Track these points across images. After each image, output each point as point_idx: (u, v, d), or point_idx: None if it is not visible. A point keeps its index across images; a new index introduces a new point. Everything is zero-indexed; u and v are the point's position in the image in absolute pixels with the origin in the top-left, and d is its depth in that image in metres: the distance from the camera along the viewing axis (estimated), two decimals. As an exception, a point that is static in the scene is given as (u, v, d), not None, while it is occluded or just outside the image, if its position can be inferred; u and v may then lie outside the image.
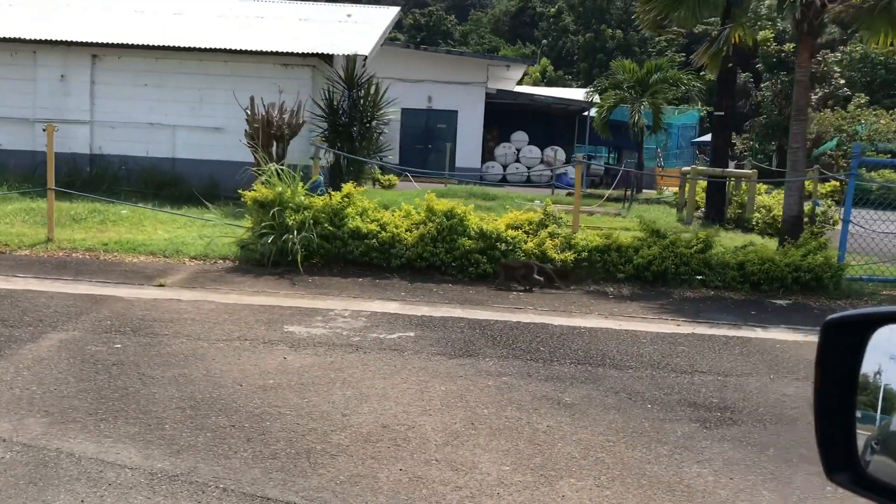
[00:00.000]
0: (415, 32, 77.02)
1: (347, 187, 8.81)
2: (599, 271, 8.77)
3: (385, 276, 8.40)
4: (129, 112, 14.02)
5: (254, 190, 8.54)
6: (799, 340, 6.68)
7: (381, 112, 13.59)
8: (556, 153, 29.59)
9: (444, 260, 8.52)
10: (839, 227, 12.73)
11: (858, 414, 1.27)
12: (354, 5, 17.42)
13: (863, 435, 1.26)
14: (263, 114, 11.89)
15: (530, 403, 4.59)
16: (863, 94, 39.39)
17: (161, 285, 7.33)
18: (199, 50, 13.61)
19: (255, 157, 10.46)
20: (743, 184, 15.85)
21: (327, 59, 14.08)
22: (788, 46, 42.67)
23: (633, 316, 7.29)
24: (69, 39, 13.67)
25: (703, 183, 15.98)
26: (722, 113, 15.17)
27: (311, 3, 17.52)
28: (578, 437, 4.10)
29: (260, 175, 8.73)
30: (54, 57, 13.89)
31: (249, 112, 11.89)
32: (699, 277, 8.69)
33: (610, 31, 60.35)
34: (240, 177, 9.59)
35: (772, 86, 42.33)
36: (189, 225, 10.59)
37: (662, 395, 4.91)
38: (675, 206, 17.60)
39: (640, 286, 8.61)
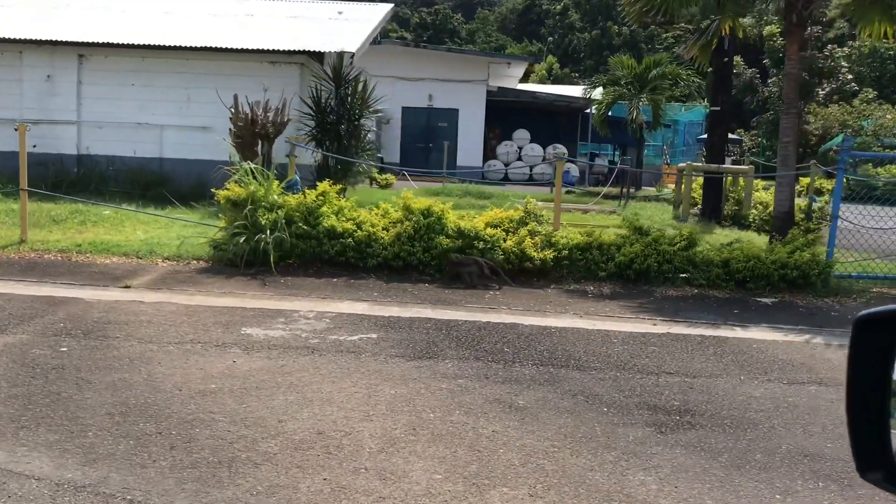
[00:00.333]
0: (421, 31, 76.88)
1: (323, 186, 8.65)
2: (580, 270, 8.58)
3: (361, 276, 8.24)
4: (117, 112, 13.92)
5: (227, 189, 8.39)
6: (778, 340, 6.48)
7: (371, 109, 13.39)
8: (558, 151, 29.32)
9: (422, 259, 8.35)
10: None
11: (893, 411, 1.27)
12: (346, 2, 17.24)
13: None
14: (248, 112, 11.76)
15: (481, 407, 4.42)
16: (871, 90, 38.97)
17: (127, 287, 7.19)
18: (186, 49, 13.49)
19: (240, 156, 10.33)
20: (740, 180, 15.59)
21: (317, 56, 13.93)
22: (795, 41, 42.29)
23: (610, 315, 7.10)
24: (55, 39, 13.58)
25: (701, 179, 15.76)
26: (718, 108, 14.93)
27: (302, 0, 17.37)
28: (523, 442, 3.92)
29: (234, 174, 8.57)
30: (40, 57, 13.80)
31: (234, 111, 11.76)
32: (683, 275, 8.49)
33: (616, 27, 60.02)
34: (215, 175, 9.44)
35: (779, 81, 41.94)
36: (170, 225, 10.47)
37: (622, 398, 4.72)
38: (672, 204, 17.36)
39: (621, 285, 8.41)
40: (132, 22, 14.76)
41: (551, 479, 3.50)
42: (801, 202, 14.38)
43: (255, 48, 13.45)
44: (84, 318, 5.94)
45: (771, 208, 14.00)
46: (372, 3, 17.50)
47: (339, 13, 16.04)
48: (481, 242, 8.37)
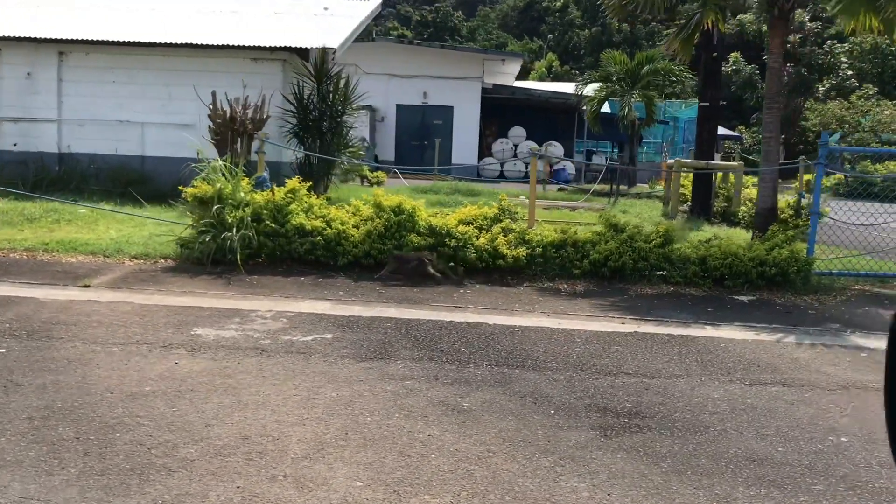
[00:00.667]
0: (422, 29, 76.70)
1: (292, 183, 8.51)
2: (555, 268, 8.42)
3: (330, 274, 8.09)
4: (98, 109, 13.80)
5: (194, 186, 8.25)
6: (748, 339, 6.32)
7: (353, 106, 13.25)
8: (554, 148, 29.16)
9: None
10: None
11: None
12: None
13: None
14: (226, 109, 11.62)
15: (423, 410, 4.27)
16: (871, 86, 38.72)
17: (86, 286, 7.05)
18: (167, 45, 13.34)
19: (218, 154, 10.20)
20: (730, 176, 15.40)
21: (300, 52, 13.78)
22: (795, 37, 42.04)
23: (579, 314, 6.94)
24: (35, 36, 13.45)
25: (693, 176, 15.57)
26: (707, 104, 14.74)
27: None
28: (458, 447, 3.77)
29: (201, 171, 8.43)
30: (20, 54, 13.67)
31: (212, 108, 11.62)
32: (660, 273, 8.33)
33: (616, 24, 59.71)
34: (183, 173, 9.30)
35: (778, 77, 41.66)
36: (144, 224, 10.33)
37: (572, 400, 4.57)
38: (663, 201, 17.18)
39: (596, 283, 8.25)
40: (114, 19, 14.62)
41: (478, 486, 3.35)
42: (790, 198, 14.21)
43: (236, 44, 13.30)
44: (32, 319, 5.80)
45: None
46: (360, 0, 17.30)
47: (325, 9, 15.88)
48: (453, 240, 8.22)
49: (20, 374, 4.54)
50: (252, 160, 12.54)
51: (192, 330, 5.71)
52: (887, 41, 39.98)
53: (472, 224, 8.55)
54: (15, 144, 13.76)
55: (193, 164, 8.56)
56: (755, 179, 17.51)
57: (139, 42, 13.39)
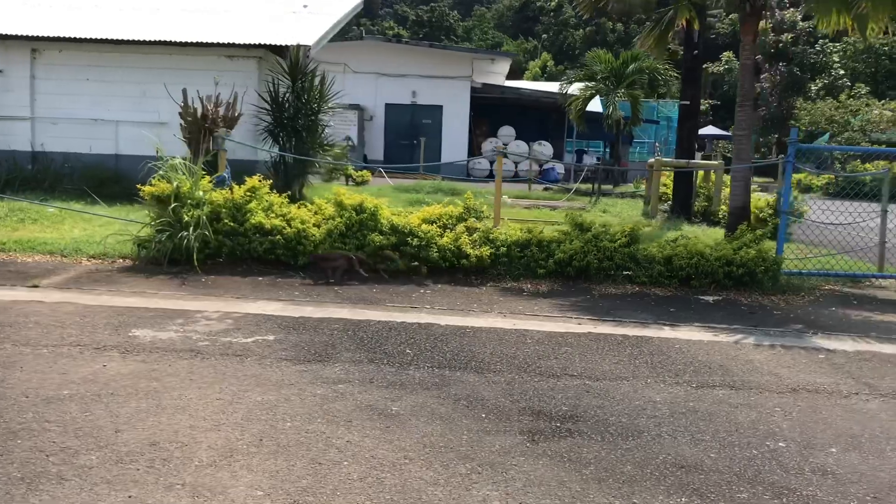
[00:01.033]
0: (418, 28, 76.61)
1: (252, 181, 8.37)
2: (519, 267, 8.29)
3: (290, 274, 7.96)
4: (72, 107, 13.65)
5: (151, 184, 8.11)
6: (704, 340, 6.19)
7: (328, 105, 13.10)
8: (543, 147, 29.04)
9: (355, 257, 8.07)
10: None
11: None
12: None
13: None
14: (197, 107, 11.48)
15: (349, 414, 4.13)
16: (863, 85, 38.61)
17: (35, 286, 6.92)
18: (141, 43, 13.19)
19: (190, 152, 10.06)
20: (712, 175, 15.28)
21: (277, 50, 13.64)
22: (787, 36, 41.96)
23: (536, 314, 6.81)
24: (7, 33, 13.30)
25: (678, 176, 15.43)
26: (687, 102, 14.61)
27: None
28: (375, 453, 3.64)
29: (158, 169, 8.29)
30: (-8, 51, 13.55)
31: (182, 105, 11.48)
32: (626, 273, 8.20)
33: (611, 24, 59.64)
34: (140, 172, 9.14)
35: (770, 77, 41.62)
36: (111, 223, 10.17)
37: (508, 403, 4.44)
38: (644, 200, 17.05)
39: (561, 283, 8.13)
40: (88, 16, 14.47)
41: (384, 496, 3.21)
42: (770, 198, 14.08)
43: (210, 42, 13.15)
44: (-32, 320, 5.66)
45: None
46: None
47: (304, 6, 15.75)
48: (415, 239, 8.09)
49: (-63, 377, 4.41)
50: (231, 159, 12.47)
51: (131, 331, 5.57)
52: (881, 41, 39.88)
53: (436, 223, 8.41)
54: (-13, 143, 13.62)
55: (152, 163, 8.40)
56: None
57: (113, 39, 13.25)
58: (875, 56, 43.69)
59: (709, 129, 42.24)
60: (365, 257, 7.91)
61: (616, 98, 20.41)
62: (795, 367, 5.52)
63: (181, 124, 11.61)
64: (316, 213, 8.43)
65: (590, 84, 21.46)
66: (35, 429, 3.72)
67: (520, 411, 4.32)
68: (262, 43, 13.13)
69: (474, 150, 29.89)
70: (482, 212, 8.82)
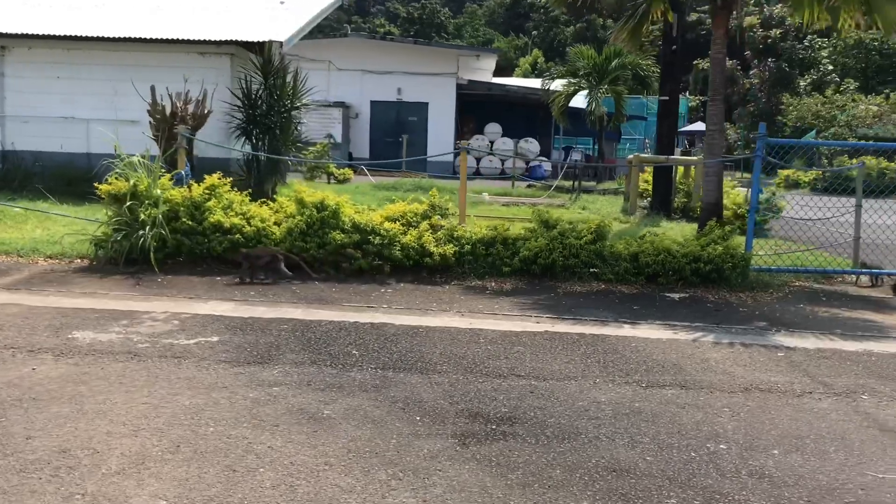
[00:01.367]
0: (408, 26, 76.47)
1: (211, 179, 8.23)
2: (484, 265, 8.16)
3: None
4: (42, 106, 13.50)
5: (108, 183, 7.96)
6: (663, 338, 6.07)
7: (301, 101, 12.94)
8: (529, 144, 28.91)
9: (316, 255, 7.94)
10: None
11: None
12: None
13: None
14: (165, 105, 11.33)
15: (277, 419, 4.00)
16: (852, 80, 38.55)
17: (-17, 287, 6.77)
18: (112, 40, 13.05)
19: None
20: (691, 171, 15.16)
21: (249, 46, 13.48)
22: (776, 32, 41.90)
23: (496, 313, 6.68)
24: (-25, 31, 13.14)
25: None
26: (667, 98, 14.48)
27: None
28: (295, 459, 3.50)
29: (115, 167, 8.14)
30: (-40, 50, 13.37)
31: (150, 103, 11.33)
32: (592, 270, 8.08)
33: (601, 20, 59.51)
34: (96, 171, 9.00)
35: (759, 73, 41.56)
36: (74, 223, 10.01)
37: (446, 405, 4.31)
38: (624, 196, 16.94)
39: (526, 281, 8.00)
40: (59, 13, 14.30)
41: (293, 504, 3.08)
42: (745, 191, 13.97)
43: (181, 38, 13.00)
44: None
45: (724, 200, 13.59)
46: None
47: (281, 3, 15.59)
48: (378, 237, 7.95)
49: None
50: (202, 157, 12.32)
51: (71, 333, 5.43)
52: (870, 36, 39.81)
53: (399, 221, 8.28)
54: (-44, 142, 13.46)
55: (109, 160, 8.25)
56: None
57: (84, 37, 13.10)
58: (865, 51, 43.65)
59: (698, 126, 42.16)
60: (291, 255, 7.69)
61: (599, 94, 20.25)
62: (751, 366, 5.40)
63: (150, 122, 11.46)
64: (277, 211, 8.30)
65: (573, 80, 21.30)
66: (-58, 436, 3.58)
67: (457, 413, 4.19)
68: (234, 39, 12.98)
69: (461, 147, 29.72)
70: (447, 209, 8.69)
